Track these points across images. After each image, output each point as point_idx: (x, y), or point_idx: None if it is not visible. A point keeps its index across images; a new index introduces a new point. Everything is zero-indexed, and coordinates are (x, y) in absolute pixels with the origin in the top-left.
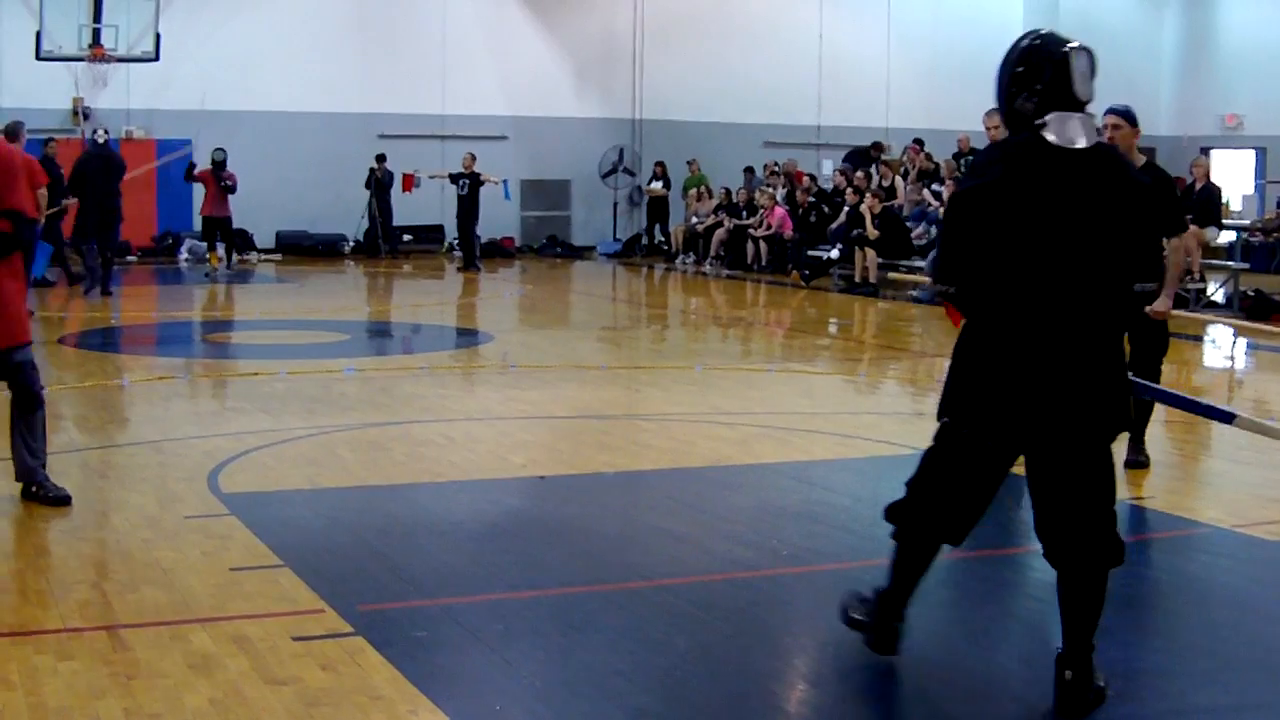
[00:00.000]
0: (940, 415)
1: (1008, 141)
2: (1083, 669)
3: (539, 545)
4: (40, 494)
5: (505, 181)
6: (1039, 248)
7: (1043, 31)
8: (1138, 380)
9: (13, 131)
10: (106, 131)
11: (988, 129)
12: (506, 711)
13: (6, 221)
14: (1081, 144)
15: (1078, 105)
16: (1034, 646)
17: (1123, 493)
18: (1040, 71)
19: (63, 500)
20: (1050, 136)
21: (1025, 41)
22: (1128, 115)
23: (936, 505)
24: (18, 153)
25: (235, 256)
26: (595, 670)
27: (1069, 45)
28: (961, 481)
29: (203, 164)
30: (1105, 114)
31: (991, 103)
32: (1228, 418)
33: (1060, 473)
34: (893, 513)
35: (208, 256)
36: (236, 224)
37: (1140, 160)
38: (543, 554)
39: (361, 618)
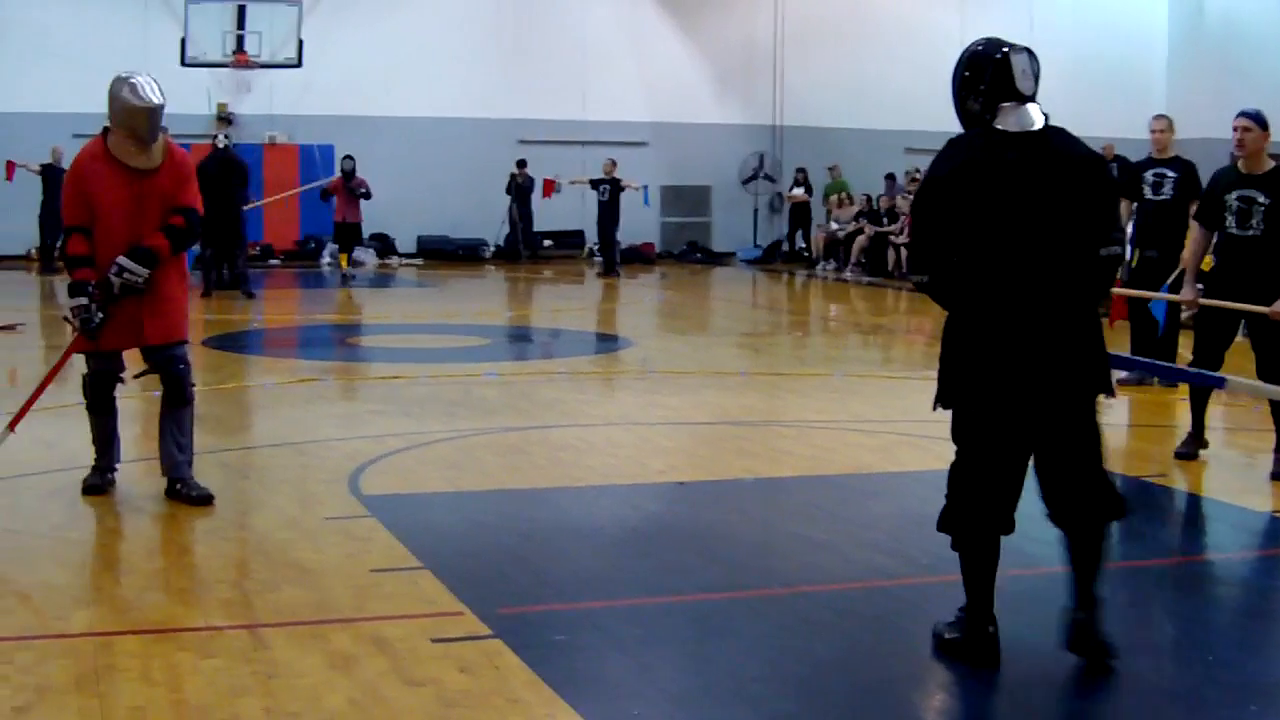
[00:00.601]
0: (936, 406)
1: (962, 136)
2: (1091, 610)
3: (678, 551)
4: (184, 492)
5: (645, 187)
6: (1003, 227)
7: (986, 38)
8: (1114, 354)
9: None
10: (228, 137)
11: (1154, 131)
12: (643, 716)
13: (180, 218)
14: (1035, 127)
15: (1022, 99)
16: (1171, 657)
17: (1266, 504)
18: (983, 72)
19: (205, 500)
20: (1001, 125)
21: (968, 50)
22: (1257, 118)
23: (976, 500)
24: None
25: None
26: (733, 676)
27: (1007, 46)
28: (987, 469)
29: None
30: (1236, 117)
31: (1140, 108)
32: (1219, 382)
33: (1053, 436)
34: (943, 522)
35: (338, 260)
36: (378, 229)
37: (1269, 165)
38: (681, 559)
39: (500, 621)
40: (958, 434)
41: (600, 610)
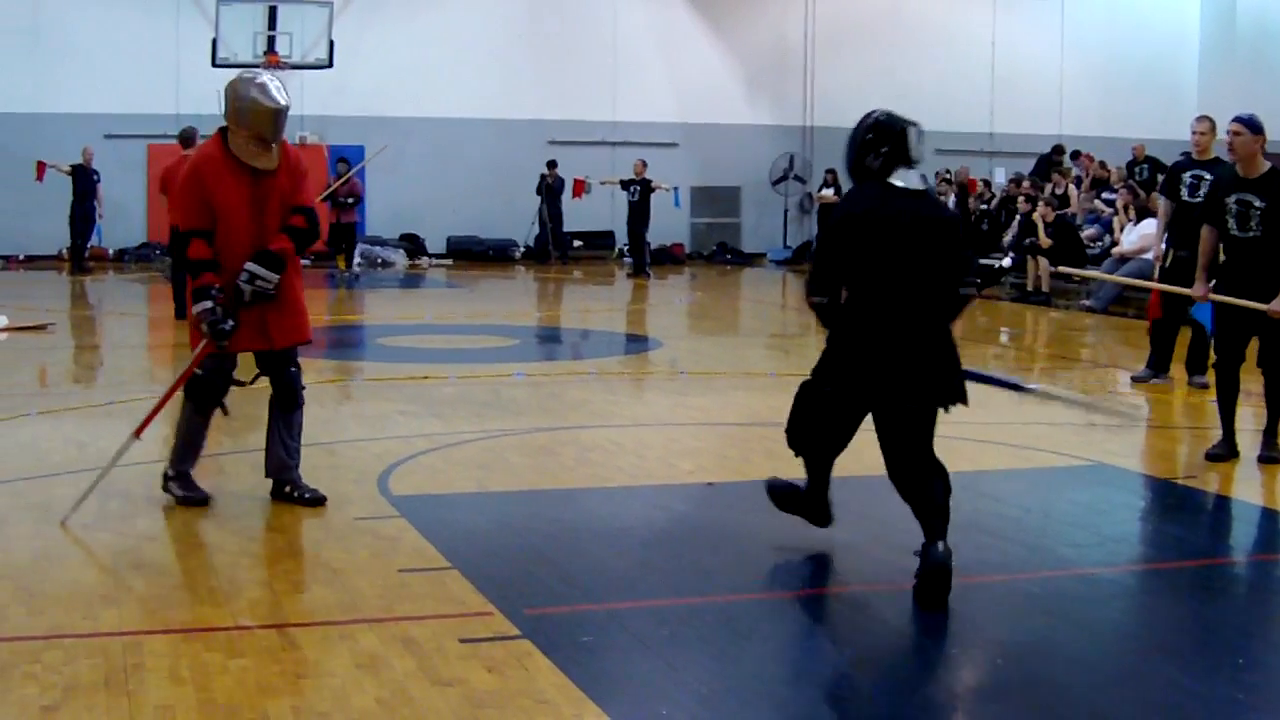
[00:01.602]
0: (814, 377)
1: (867, 186)
2: (939, 542)
3: (706, 552)
4: (295, 494)
5: (676, 189)
6: (890, 264)
7: (886, 111)
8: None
9: (188, 137)
10: None
11: (1196, 133)
12: (671, 717)
13: (301, 218)
14: (916, 186)
15: (911, 164)
16: (1204, 661)
17: None
18: (886, 139)
19: (317, 501)
20: (897, 183)
21: (872, 118)
22: (1249, 123)
23: (810, 438)
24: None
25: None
26: (760, 678)
27: (906, 122)
28: (823, 424)
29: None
30: (1230, 121)
31: (1171, 109)
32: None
33: (901, 428)
34: (789, 440)
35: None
36: (408, 229)
37: (1264, 168)
38: (710, 560)
39: (528, 621)
40: (809, 394)
41: (628, 611)
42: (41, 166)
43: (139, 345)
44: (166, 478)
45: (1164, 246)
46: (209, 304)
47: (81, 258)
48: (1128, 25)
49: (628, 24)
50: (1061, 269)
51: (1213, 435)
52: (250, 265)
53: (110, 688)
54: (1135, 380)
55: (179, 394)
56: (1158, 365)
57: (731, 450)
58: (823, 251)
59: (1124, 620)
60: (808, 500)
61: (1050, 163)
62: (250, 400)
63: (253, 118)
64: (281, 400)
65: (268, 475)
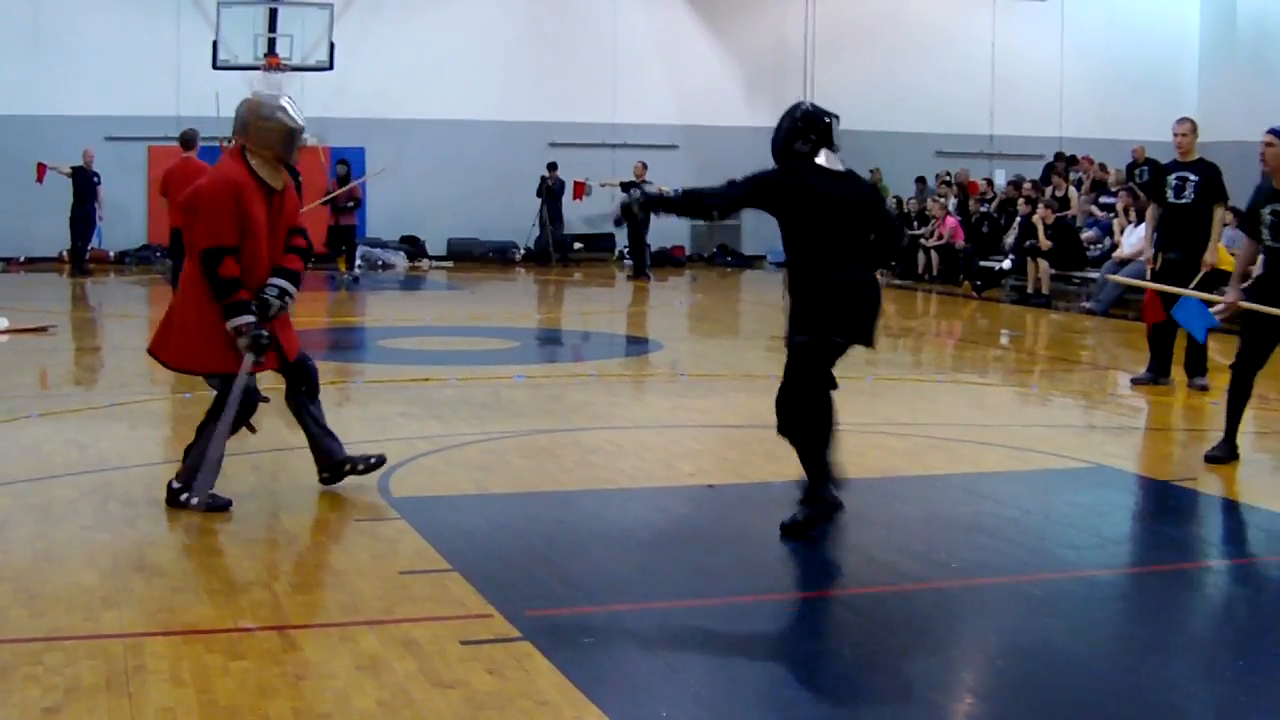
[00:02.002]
0: (792, 336)
1: (798, 161)
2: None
3: (707, 554)
4: (362, 467)
5: (676, 191)
6: (822, 229)
7: (810, 103)
8: None
9: (188, 139)
10: (229, 142)
11: (1177, 135)
12: (672, 719)
13: (300, 238)
14: (839, 169)
15: (834, 149)
16: (1204, 662)
17: None
18: (813, 128)
19: (382, 460)
20: (821, 161)
21: (801, 110)
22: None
23: (800, 401)
24: (203, 165)
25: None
26: (761, 679)
27: (829, 114)
28: (810, 378)
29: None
30: (1266, 133)
31: (1171, 111)
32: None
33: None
34: (781, 428)
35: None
36: (408, 231)
37: None
38: (710, 562)
39: (529, 623)
40: (794, 357)
41: (629, 613)
42: (42, 168)
43: (140, 347)
44: (174, 492)
45: (1154, 250)
46: (250, 318)
47: (82, 260)
48: (1128, 27)
49: (628, 26)
50: (1119, 279)
51: (1212, 437)
52: (279, 282)
53: (111, 690)
54: (1136, 383)
55: (204, 412)
56: (1158, 368)
57: (732, 452)
58: (749, 184)
59: (1124, 622)
60: (816, 499)
61: (1055, 170)
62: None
63: (276, 138)
64: (309, 389)
65: (325, 468)
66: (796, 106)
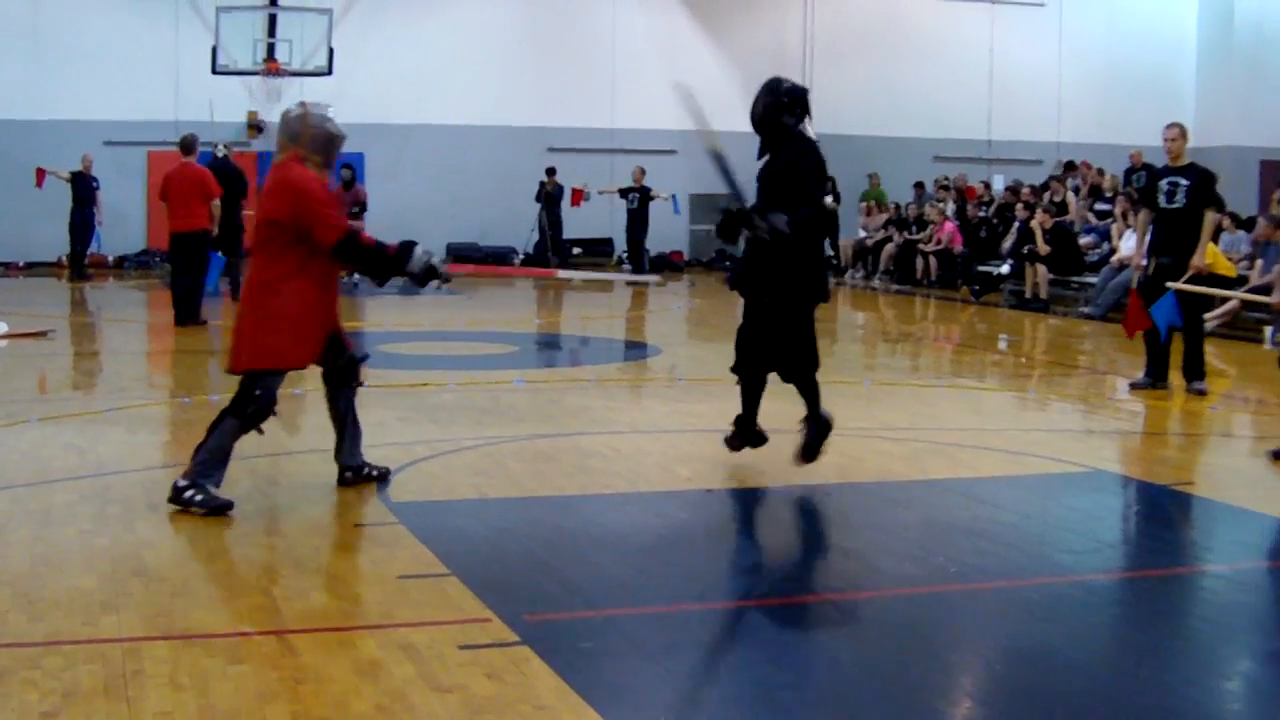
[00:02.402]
0: (763, 298)
1: (805, 137)
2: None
3: (705, 558)
4: (376, 475)
5: (674, 196)
6: (822, 194)
7: (790, 80)
8: None
9: (188, 144)
10: (227, 147)
11: (1167, 140)
12: None
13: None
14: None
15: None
16: (1200, 668)
17: None
18: (799, 102)
19: (386, 473)
20: (809, 132)
21: (786, 85)
22: None
23: (743, 350)
24: (202, 170)
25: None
26: (759, 684)
27: (805, 89)
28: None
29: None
30: None
31: (1169, 116)
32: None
33: (749, 323)
34: (734, 368)
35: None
36: (408, 236)
37: None
38: (709, 567)
39: (528, 627)
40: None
41: (627, 617)
42: (41, 173)
43: (139, 352)
44: (179, 490)
45: (1146, 255)
46: (422, 247)
47: (81, 265)
48: (1126, 32)
49: (627, 31)
50: (1180, 286)
51: (1211, 440)
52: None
53: (110, 694)
54: (1134, 387)
55: (219, 409)
56: (1156, 373)
57: (730, 457)
58: (818, 187)
59: (1121, 627)
60: (747, 426)
61: (1056, 178)
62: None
63: (327, 145)
64: (354, 377)
65: (349, 469)
66: (779, 82)
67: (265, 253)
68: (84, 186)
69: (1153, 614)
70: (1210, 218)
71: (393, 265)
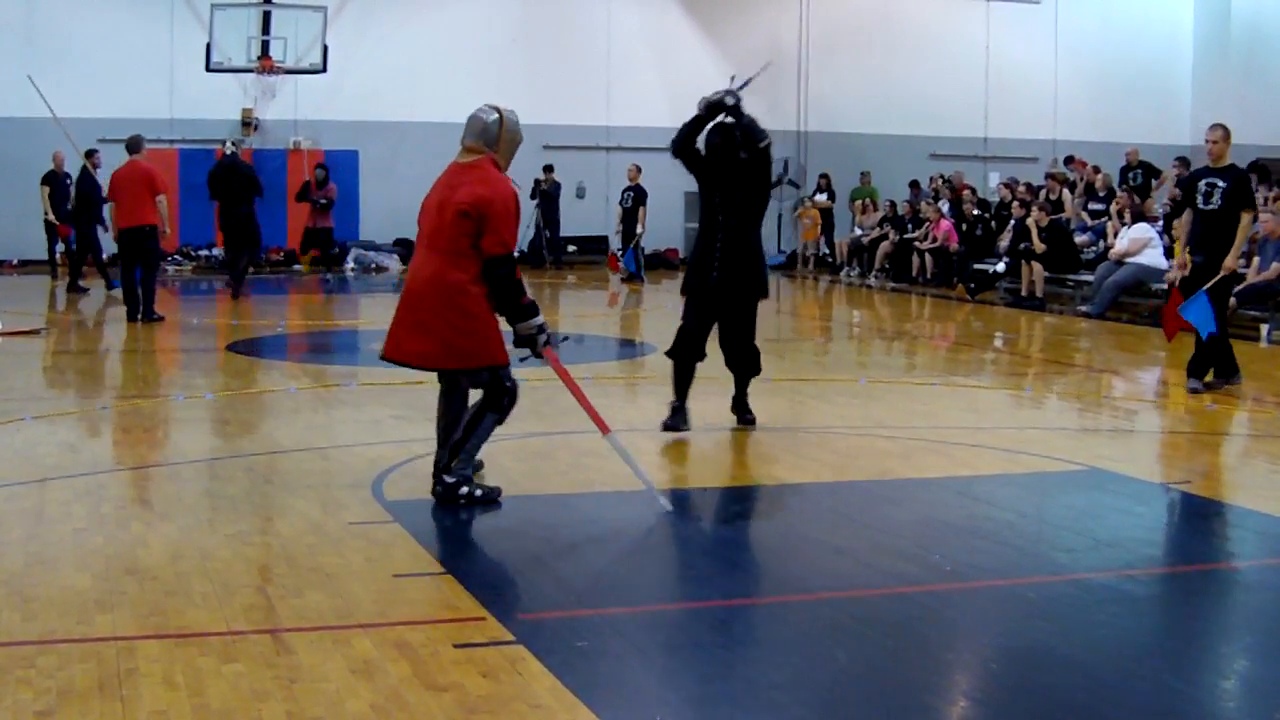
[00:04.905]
0: (759, 297)
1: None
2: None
3: (700, 557)
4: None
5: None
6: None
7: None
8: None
9: (134, 144)
10: (235, 144)
11: (1209, 142)
12: None
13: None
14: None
15: None
16: (1198, 667)
17: None
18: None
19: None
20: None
21: (745, 120)
22: None
23: (682, 343)
24: (149, 167)
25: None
26: (755, 683)
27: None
28: (689, 328)
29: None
30: None
31: (1164, 114)
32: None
33: (734, 322)
34: (670, 353)
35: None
36: (403, 234)
37: None
38: (704, 565)
39: (523, 626)
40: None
41: (622, 616)
42: (65, 230)
43: (132, 350)
44: (449, 484)
45: (1186, 254)
46: (542, 318)
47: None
48: (1121, 30)
49: (621, 29)
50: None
51: (1211, 440)
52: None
53: (104, 693)
54: (1201, 390)
55: (481, 403)
56: (1222, 371)
57: (725, 455)
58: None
59: (1118, 625)
60: (677, 408)
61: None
62: (246, 406)
63: (515, 148)
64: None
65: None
66: (733, 123)
67: (456, 250)
68: (86, 185)
69: (1149, 612)
70: (1246, 219)
71: (514, 310)
